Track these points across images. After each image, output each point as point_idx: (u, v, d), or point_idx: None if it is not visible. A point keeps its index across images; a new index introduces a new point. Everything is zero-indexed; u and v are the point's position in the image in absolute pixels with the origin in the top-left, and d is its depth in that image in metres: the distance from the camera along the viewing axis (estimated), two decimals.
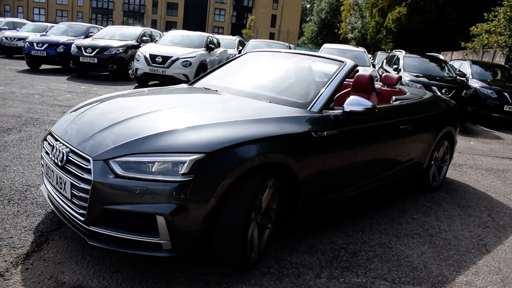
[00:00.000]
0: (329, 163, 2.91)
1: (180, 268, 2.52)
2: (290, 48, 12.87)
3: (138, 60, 10.47)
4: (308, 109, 2.94)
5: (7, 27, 16.26)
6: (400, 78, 4.63)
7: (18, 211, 3.04)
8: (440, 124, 4.20)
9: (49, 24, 16.44)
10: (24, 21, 17.96)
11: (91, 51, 11.19)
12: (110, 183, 2.19)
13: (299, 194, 2.75)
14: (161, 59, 10.17)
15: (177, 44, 11.39)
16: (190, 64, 10.21)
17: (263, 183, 2.44)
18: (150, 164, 2.21)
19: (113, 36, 12.46)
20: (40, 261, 2.49)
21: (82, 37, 12.91)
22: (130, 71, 11.66)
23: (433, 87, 9.13)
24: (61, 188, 2.45)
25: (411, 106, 3.90)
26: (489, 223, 3.72)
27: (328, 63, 3.50)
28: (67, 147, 2.48)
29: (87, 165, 2.29)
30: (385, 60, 12.82)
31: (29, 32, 14.91)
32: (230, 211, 2.29)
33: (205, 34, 12.11)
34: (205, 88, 3.48)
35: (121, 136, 2.38)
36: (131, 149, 2.27)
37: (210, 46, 11.45)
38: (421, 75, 9.82)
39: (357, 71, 4.00)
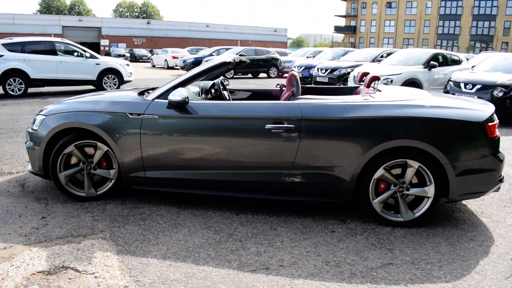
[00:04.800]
0: (147, 142, 3.49)
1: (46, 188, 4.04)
2: None
3: (349, 80, 11.25)
4: (144, 97, 3.62)
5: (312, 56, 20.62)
6: (373, 79, 3.83)
7: None
8: (377, 135, 3.24)
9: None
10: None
11: (324, 71, 12.88)
12: (28, 131, 3.98)
13: (117, 160, 3.57)
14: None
15: (399, 62, 11.20)
16: (392, 81, 9.99)
17: (75, 140, 3.59)
18: (35, 119, 3.87)
19: (356, 58, 13.59)
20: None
21: (333, 60, 14.74)
22: None
23: None
24: None
25: (295, 106, 3.34)
26: (362, 268, 2.74)
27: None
28: None
29: None
30: None
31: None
32: (52, 153, 3.62)
33: (432, 51, 11.15)
34: (138, 89, 4.42)
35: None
36: (41, 111, 3.98)
37: (432, 64, 10.53)
38: None
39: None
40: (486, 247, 3.13)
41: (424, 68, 10.39)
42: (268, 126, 3.33)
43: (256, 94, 4.92)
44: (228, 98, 4.58)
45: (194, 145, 3.47)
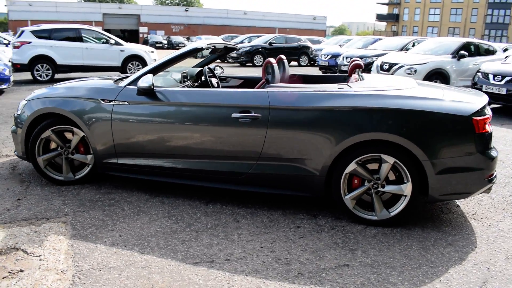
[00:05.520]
0: (118, 128, 3.47)
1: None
2: None
3: (372, 69, 10.81)
4: (119, 84, 3.59)
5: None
6: (355, 66, 3.79)
7: None
8: (348, 127, 3.03)
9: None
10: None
11: (349, 60, 12.43)
12: (14, 115, 4.08)
13: (91, 146, 3.59)
14: (387, 67, 10.06)
15: (427, 51, 10.61)
16: (415, 71, 9.48)
17: (52, 126, 3.65)
18: (19, 104, 3.96)
19: (384, 46, 13.03)
20: None
21: (363, 48, 14.20)
22: None
23: None
24: None
25: (264, 94, 3.20)
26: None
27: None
28: None
29: None
30: None
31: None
32: (31, 137, 3.69)
33: (463, 40, 10.46)
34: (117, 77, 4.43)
35: None
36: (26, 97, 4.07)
37: (461, 53, 9.88)
38: None
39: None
40: (463, 253, 2.87)
41: (453, 58, 9.76)
42: (235, 114, 3.21)
43: (248, 82, 4.78)
44: (215, 85, 4.49)
45: (162, 132, 3.41)
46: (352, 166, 3.11)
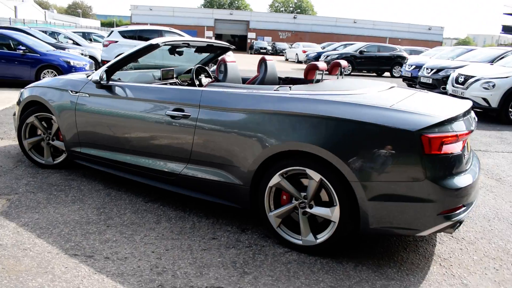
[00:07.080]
0: (80, 119, 3.67)
1: None
2: None
3: (448, 82, 9.62)
4: (88, 77, 3.76)
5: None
6: (310, 67, 3.36)
7: None
8: (271, 134, 2.71)
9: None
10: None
11: (429, 71, 11.25)
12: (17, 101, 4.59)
13: (61, 133, 3.84)
14: (462, 79, 8.84)
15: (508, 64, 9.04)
16: (494, 86, 8.16)
17: (35, 112, 4.02)
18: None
19: (473, 57, 11.46)
20: None
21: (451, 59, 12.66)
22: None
23: None
24: None
25: (198, 92, 3.06)
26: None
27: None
28: None
29: None
30: None
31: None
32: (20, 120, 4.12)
33: None
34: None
35: None
36: None
37: None
38: None
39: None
40: None
41: None
42: (168, 112, 3.13)
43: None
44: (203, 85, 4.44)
45: (111, 125, 3.49)
46: (276, 179, 2.78)
